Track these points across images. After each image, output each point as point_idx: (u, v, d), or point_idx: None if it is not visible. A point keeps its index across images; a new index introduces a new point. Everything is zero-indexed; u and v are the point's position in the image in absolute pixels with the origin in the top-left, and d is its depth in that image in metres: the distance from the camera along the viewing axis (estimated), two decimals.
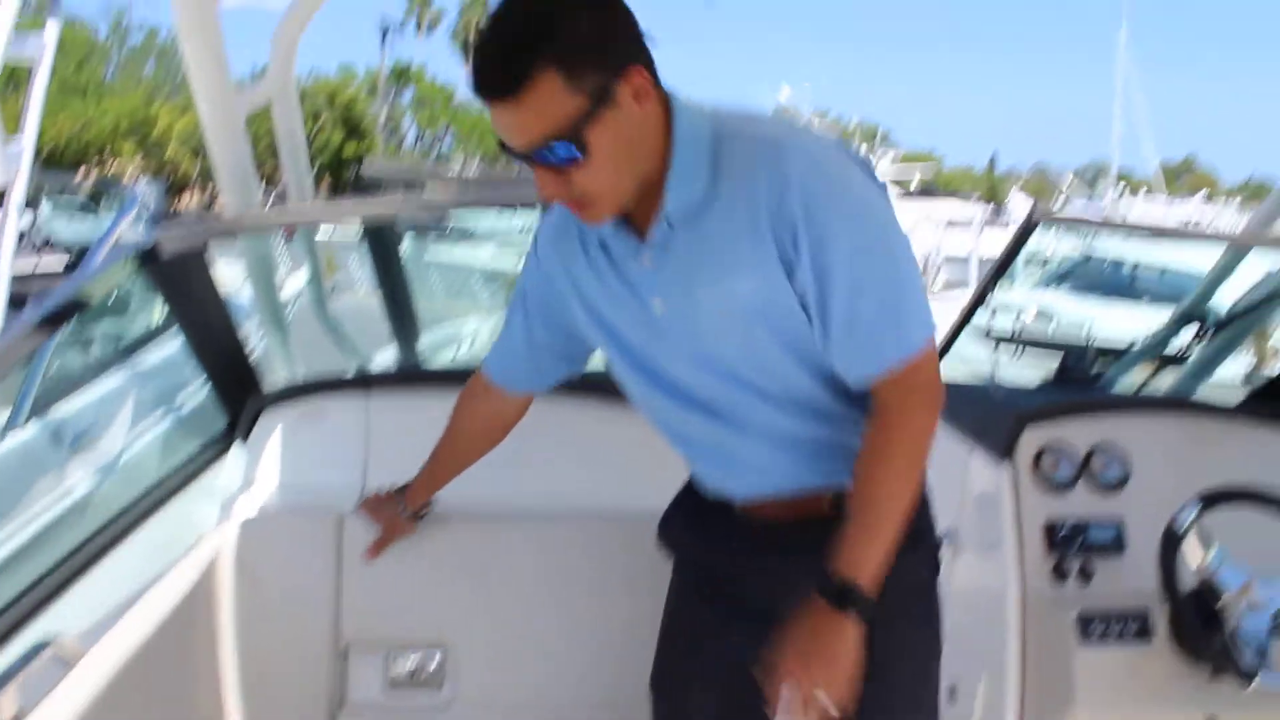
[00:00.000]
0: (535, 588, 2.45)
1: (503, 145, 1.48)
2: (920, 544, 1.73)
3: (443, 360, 5.81)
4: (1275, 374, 2.96)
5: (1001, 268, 3.24)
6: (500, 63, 1.40)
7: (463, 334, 6.86)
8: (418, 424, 2.39)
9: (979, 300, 3.21)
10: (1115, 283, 12.45)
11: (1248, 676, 2.00)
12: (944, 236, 22.15)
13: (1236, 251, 3.43)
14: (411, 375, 3.35)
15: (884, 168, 35.17)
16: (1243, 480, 2.19)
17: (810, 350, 1.59)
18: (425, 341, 4.43)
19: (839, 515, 1.60)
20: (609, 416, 2.43)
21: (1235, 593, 2.05)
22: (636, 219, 1.60)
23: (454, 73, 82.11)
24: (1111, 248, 12.95)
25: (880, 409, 1.60)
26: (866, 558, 1.55)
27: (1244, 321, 3.30)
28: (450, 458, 2.16)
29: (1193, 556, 2.13)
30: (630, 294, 1.65)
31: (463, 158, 59.29)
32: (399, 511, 2.26)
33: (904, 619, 1.69)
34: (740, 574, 1.81)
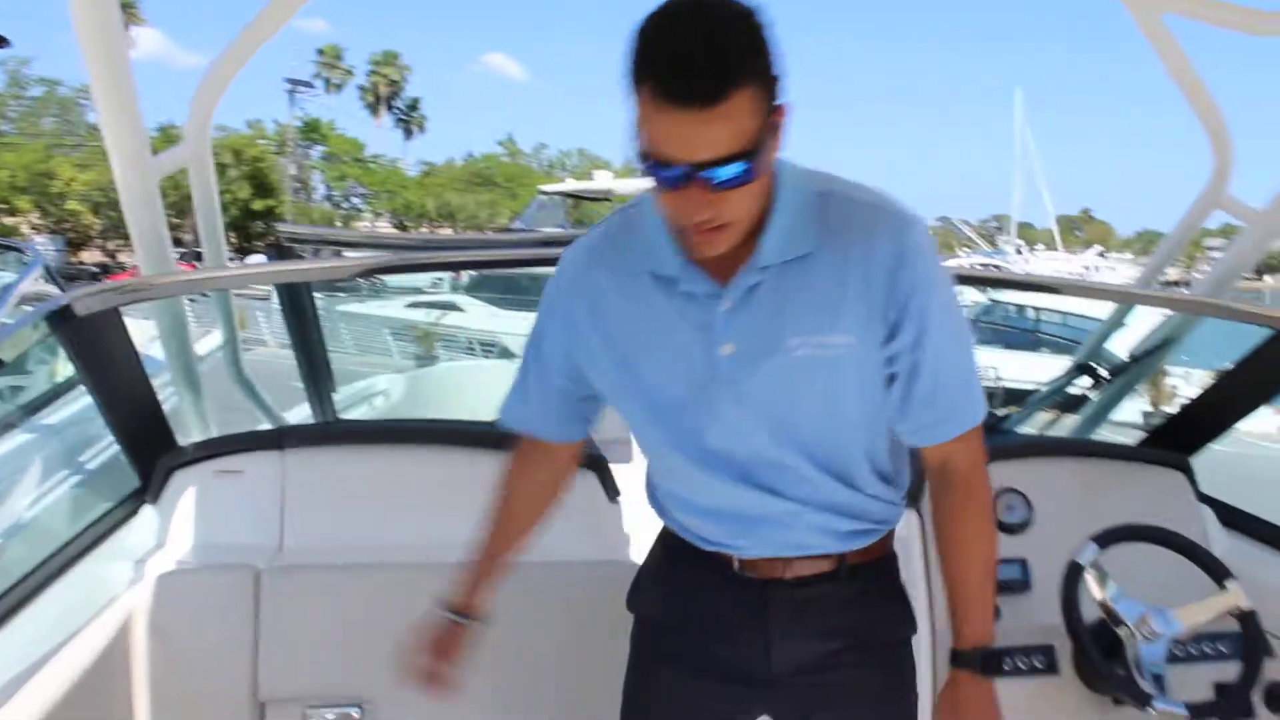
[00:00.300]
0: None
1: (649, 160, 1.39)
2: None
3: (357, 415, 5.77)
4: (1167, 417, 3.09)
5: None
6: (708, 69, 1.32)
7: (377, 388, 6.82)
8: (334, 480, 2.39)
9: None
10: (1018, 331, 12.79)
11: (1147, 702, 2.09)
12: None
13: (1131, 300, 3.57)
14: (327, 431, 3.33)
15: None
16: (1138, 519, 2.28)
17: (873, 413, 1.64)
18: (340, 396, 4.40)
19: (844, 576, 1.71)
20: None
21: (1133, 625, 2.15)
22: (711, 261, 1.55)
23: (363, 130, 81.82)
24: (1013, 297, 13.29)
25: (953, 473, 1.70)
26: (985, 618, 1.70)
27: (1139, 366, 3.42)
28: (514, 533, 1.94)
29: (1093, 592, 2.22)
30: (695, 336, 1.58)
31: (373, 215, 58.96)
32: (465, 625, 1.93)
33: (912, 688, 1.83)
34: (737, 635, 1.75)
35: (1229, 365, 2.87)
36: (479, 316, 17.70)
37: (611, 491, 2.78)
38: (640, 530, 2.76)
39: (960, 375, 1.63)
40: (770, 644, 1.71)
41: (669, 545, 1.84)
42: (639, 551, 2.68)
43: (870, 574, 1.75)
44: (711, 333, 1.57)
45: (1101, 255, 47.73)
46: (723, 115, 1.34)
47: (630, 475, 2.92)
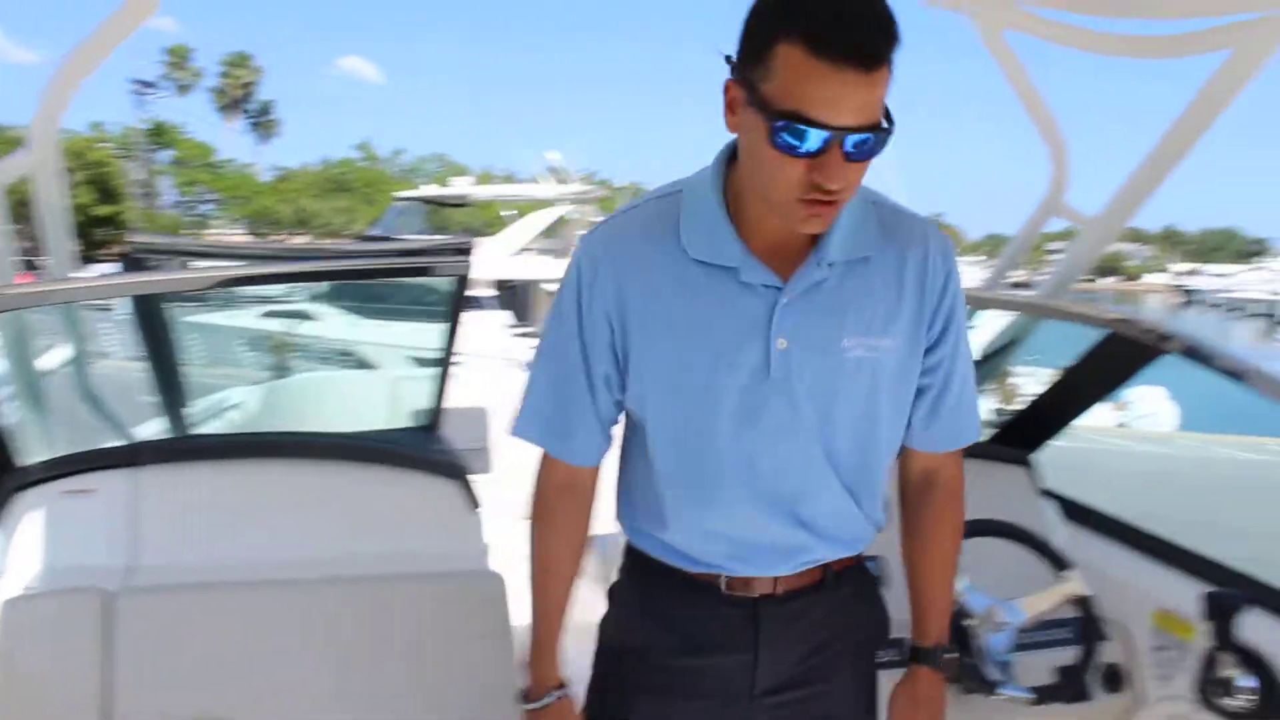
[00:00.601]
0: (311, 655, 2.42)
1: (783, 121, 1.31)
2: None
3: (212, 429, 5.61)
4: (1011, 416, 3.22)
5: None
6: (874, 28, 1.29)
7: (231, 401, 6.64)
8: (189, 498, 2.32)
9: None
10: None
11: (994, 689, 2.18)
12: None
13: (979, 304, 3.72)
14: (181, 447, 3.24)
15: None
16: (986, 515, 2.38)
17: (900, 421, 1.65)
18: (193, 410, 4.29)
19: (830, 583, 1.69)
20: (361, 478, 2.46)
21: (981, 616, 2.24)
22: (771, 253, 1.52)
23: (215, 134, 79.54)
24: None
25: (945, 480, 1.75)
26: (947, 618, 1.79)
27: (987, 366, 3.54)
28: (565, 596, 1.74)
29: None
30: (750, 329, 1.52)
31: (226, 222, 57.26)
32: (559, 705, 1.73)
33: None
34: (725, 654, 1.68)
35: (1068, 364, 3.01)
36: (336, 325, 17.35)
37: (472, 501, 2.77)
38: (501, 539, 2.76)
39: (973, 388, 1.70)
40: (758, 660, 1.67)
41: (642, 569, 1.73)
42: (501, 561, 2.68)
43: (850, 577, 1.73)
44: (767, 326, 1.52)
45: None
46: (879, 81, 1.31)
47: (489, 486, 2.92)
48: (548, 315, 1.65)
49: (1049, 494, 2.95)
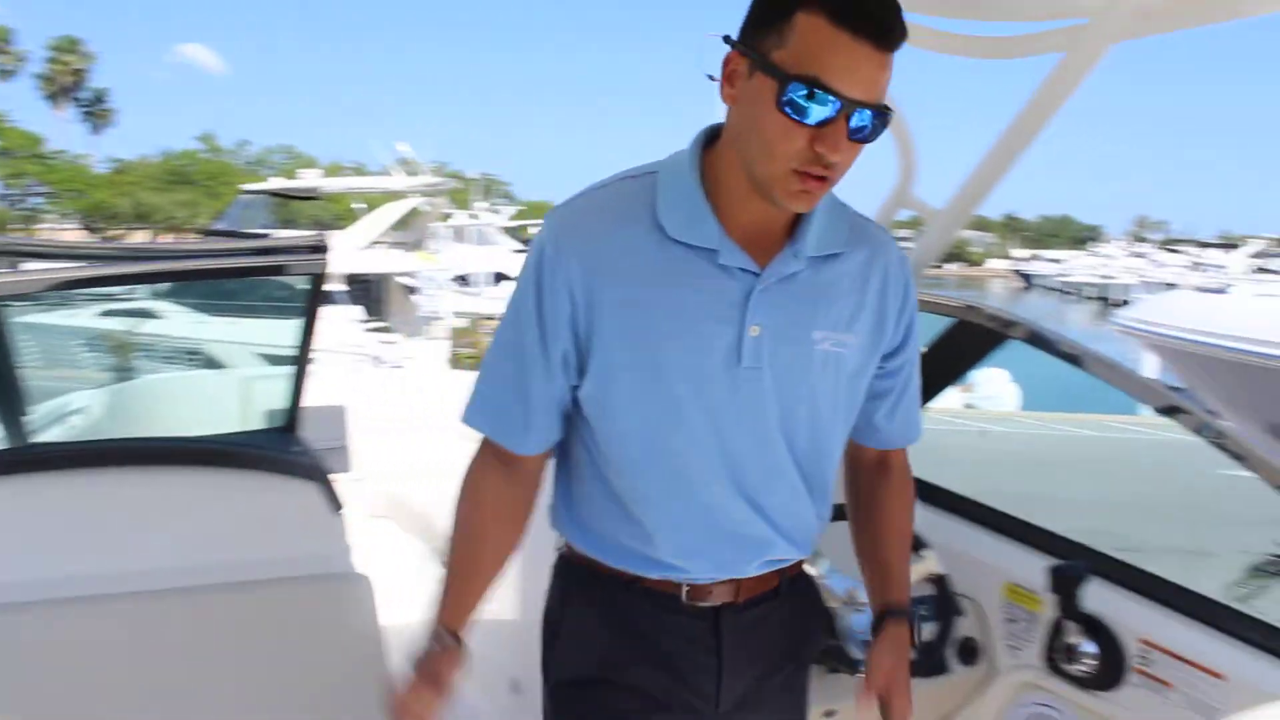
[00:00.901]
0: (173, 668, 2.35)
1: (796, 84, 1.34)
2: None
3: (54, 437, 5.37)
4: None
5: None
6: (895, 19, 1.36)
7: (73, 406, 6.36)
8: (33, 511, 2.23)
9: None
10: None
11: (856, 667, 2.25)
12: None
13: None
14: (21, 457, 3.10)
15: (503, 221, 35.93)
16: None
17: (851, 418, 1.71)
18: (32, 417, 4.09)
19: (784, 590, 1.75)
20: (218, 483, 2.40)
21: (842, 597, 2.30)
22: (744, 239, 1.52)
23: (43, 123, 75.95)
24: None
25: (897, 466, 1.86)
26: (908, 580, 1.88)
27: None
28: (491, 565, 1.67)
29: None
30: (726, 312, 1.51)
31: (58, 216, 54.68)
32: (447, 653, 1.63)
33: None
34: (689, 670, 1.66)
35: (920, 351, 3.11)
36: (181, 324, 16.77)
37: (334, 503, 2.73)
38: (364, 540, 2.72)
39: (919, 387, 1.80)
40: (721, 674, 1.67)
41: (592, 583, 1.67)
42: (364, 562, 2.65)
43: (802, 585, 1.83)
44: (742, 311, 1.51)
45: None
46: (889, 64, 1.37)
47: (349, 485, 2.87)
48: (508, 300, 1.60)
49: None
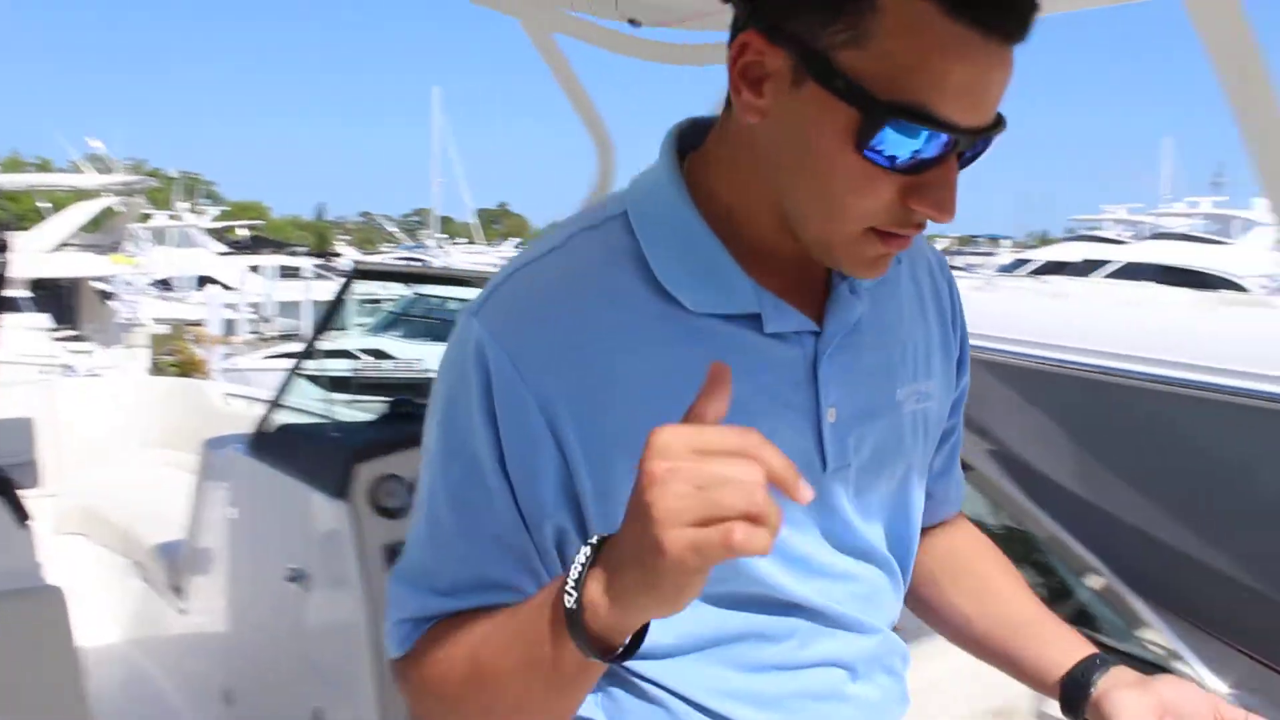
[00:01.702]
0: None
1: (917, 120, 0.84)
2: None
3: None
4: None
5: (328, 316, 3.41)
6: (1032, 7, 0.86)
7: None
8: None
9: (310, 348, 3.36)
10: (441, 324, 13.30)
11: None
12: (278, 285, 22.25)
13: None
14: None
15: (207, 222, 34.47)
16: None
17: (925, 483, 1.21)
18: None
19: None
20: None
21: None
22: (779, 286, 1.01)
23: None
24: (436, 290, 13.82)
25: (965, 526, 1.34)
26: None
27: None
28: None
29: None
30: (789, 396, 1.01)
31: None
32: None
33: None
34: None
35: None
36: None
37: (20, 515, 2.60)
38: (53, 554, 2.62)
39: None
40: None
41: None
42: (55, 576, 2.54)
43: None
44: (812, 391, 1.02)
45: (518, 248, 50.87)
46: (1011, 64, 0.87)
47: (39, 501, 2.75)
48: (426, 447, 1.02)
49: None
